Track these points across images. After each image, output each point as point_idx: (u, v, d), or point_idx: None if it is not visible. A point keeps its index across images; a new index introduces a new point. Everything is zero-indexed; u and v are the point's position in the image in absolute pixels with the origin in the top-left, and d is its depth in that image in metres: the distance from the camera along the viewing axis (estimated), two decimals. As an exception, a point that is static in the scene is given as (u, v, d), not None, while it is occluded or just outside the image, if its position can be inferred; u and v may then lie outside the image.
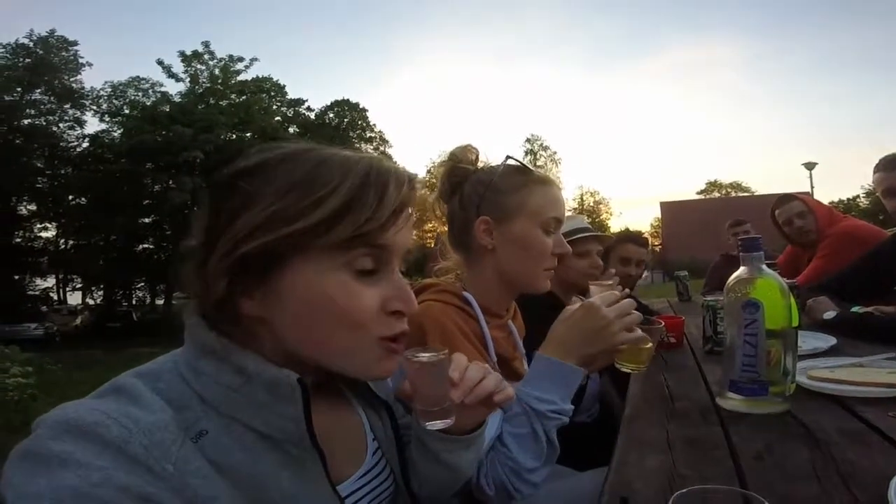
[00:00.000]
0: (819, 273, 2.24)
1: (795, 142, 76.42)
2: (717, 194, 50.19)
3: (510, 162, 1.05)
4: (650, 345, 0.97)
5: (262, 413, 0.54)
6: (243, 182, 0.54)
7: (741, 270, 0.88)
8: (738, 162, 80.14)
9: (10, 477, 0.44)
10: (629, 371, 0.98)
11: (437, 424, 0.61)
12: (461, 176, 1.05)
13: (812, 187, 19.35)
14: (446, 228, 1.10)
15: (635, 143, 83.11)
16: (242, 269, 0.52)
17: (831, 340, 1.30)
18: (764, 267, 0.87)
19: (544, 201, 1.00)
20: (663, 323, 1.08)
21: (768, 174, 73.76)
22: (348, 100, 32.64)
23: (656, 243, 39.08)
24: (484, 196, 1.01)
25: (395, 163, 0.60)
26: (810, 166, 19.37)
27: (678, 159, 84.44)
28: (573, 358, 0.88)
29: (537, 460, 0.86)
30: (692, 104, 78.51)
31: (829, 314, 1.51)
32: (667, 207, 36.49)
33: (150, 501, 0.45)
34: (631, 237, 2.43)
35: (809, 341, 1.30)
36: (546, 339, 0.93)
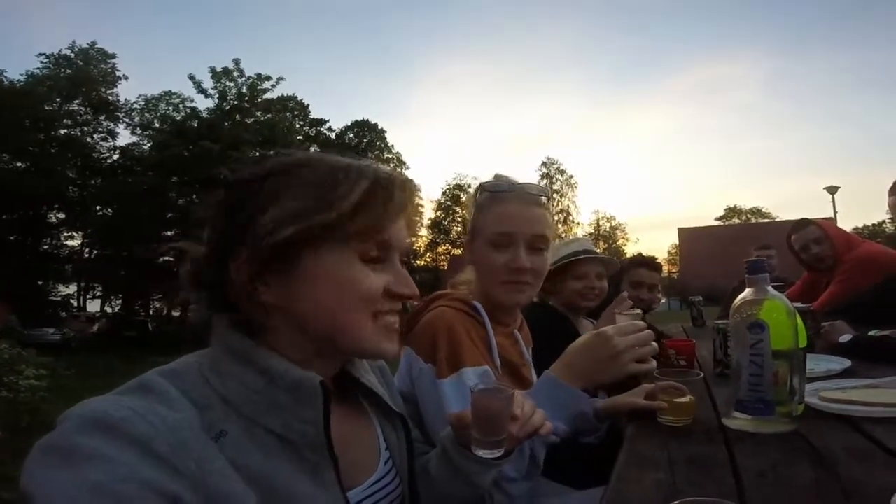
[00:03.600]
0: (836, 298, 2.20)
1: (818, 165, 74.21)
2: (736, 220, 49.41)
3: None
4: (689, 398, 0.98)
5: (282, 416, 0.56)
6: (266, 184, 0.59)
7: (747, 292, 0.89)
8: (759, 186, 77.95)
9: (33, 470, 0.45)
10: (672, 425, 0.98)
11: (493, 453, 0.66)
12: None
13: (835, 212, 18.77)
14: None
15: (653, 167, 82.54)
16: (269, 258, 0.57)
17: (845, 363, 1.29)
18: (770, 289, 0.88)
19: (492, 219, 1.06)
20: (702, 374, 1.10)
21: (790, 199, 71.79)
22: (367, 120, 33.38)
23: (674, 270, 38.50)
24: (471, 218, 1.13)
25: (399, 171, 0.66)
26: (832, 190, 18.89)
27: (697, 184, 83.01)
28: (579, 383, 0.91)
29: (518, 473, 0.88)
30: (711, 126, 76.61)
31: (845, 337, 1.50)
32: (684, 233, 35.88)
33: (171, 497, 0.46)
34: (643, 261, 2.42)
35: (823, 364, 1.30)
36: (558, 359, 0.96)
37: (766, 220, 42.82)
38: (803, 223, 2.59)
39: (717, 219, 51.43)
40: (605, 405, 1.18)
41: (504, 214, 1.05)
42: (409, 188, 0.64)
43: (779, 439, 0.82)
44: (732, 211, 52.26)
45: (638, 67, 74.40)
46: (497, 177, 1.11)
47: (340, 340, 0.61)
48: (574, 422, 0.98)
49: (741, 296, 0.90)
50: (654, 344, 0.93)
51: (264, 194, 0.58)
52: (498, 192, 1.07)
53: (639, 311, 1.03)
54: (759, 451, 0.77)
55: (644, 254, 2.63)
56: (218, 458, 0.51)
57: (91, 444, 0.46)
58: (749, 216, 50.40)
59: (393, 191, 0.61)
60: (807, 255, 2.53)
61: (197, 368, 0.58)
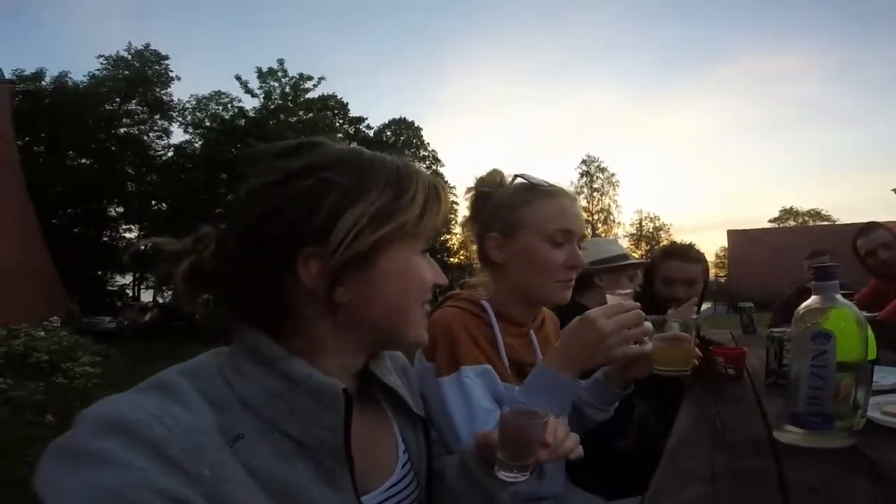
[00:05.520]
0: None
1: (884, 164, 68.40)
2: (792, 223, 46.56)
3: (519, 180, 1.09)
4: (684, 345, 0.92)
5: (302, 421, 0.55)
6: (327, 174, 0.58)
7: (812, 300, 0.83)
8: (818, 187, 72.62)
9: (46, 472, 0.45)
10: (668, 375, 0.91)
11: (517, 477, 0.64)
12: (483, 198, 1.11)
13: (903, 216, 17.35)
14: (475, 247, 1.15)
15: (701, 164, 78.85)
16: (351, 262, 0.57)
17: None
18: (838, 297, 0.81)
19: (547, 214, 1.02)
20: (696, 315, 1.01)
21: (852, 201, 66.70)
22: (405, 118, 33.71)
23: (721, 273, 36.77)
24: (494, 214, 1.06)
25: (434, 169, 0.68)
26: (901, 191, 17.43)
27: (749, 183, 78.31)
28: (570, 371, 0.87)
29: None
30: (766, 121, 72.18)
31: (915, 350, 1.36)
32: (735, 236, 34.12)
33: None
34: (674, 251, 2.03)
35: (889, 377, 1.20)
36: (551, 348, 0.94)
37: (825, 224, 40.15)
38: (871, 226, 2.40)
39: (771, 220, 48.67)
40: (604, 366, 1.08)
41: (562, 210, 1.02)
42: (447, 193, 0.69)
43: (834, 454, 0.76)
44: (788, 213, 49.31)
45: (684, 56, 71.36)
46: (524, 174, 1.08)
47: (398, 330, 0.64)
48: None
49: (805, 303, 0.83)
50: (648, 324, 0.87)
51: (334, 191, 0.57)
52: (542, 187, 1.04)
53: (629, 290, 0.96)
54: (812, 467, 0.72)
55: (679, 242, 2.39)
56: (234, 464, 0.50)
57: (104, 448, 0.45)
58: (806, 219, 47.43)
59: (442, 197, 0.66)
60: (874, 260, 2.35)
61: (217, 367, 0.57)
